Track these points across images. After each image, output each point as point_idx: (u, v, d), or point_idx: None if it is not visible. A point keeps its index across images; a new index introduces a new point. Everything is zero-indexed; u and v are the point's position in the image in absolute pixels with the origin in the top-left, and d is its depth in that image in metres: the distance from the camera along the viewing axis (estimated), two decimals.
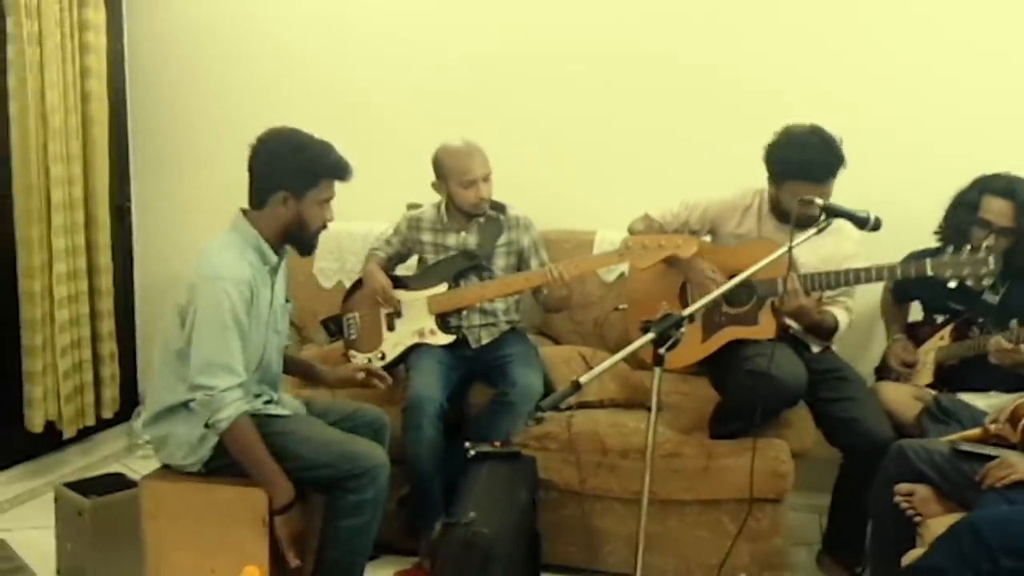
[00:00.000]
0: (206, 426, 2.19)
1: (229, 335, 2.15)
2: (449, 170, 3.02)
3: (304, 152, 2.27)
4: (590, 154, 3.68)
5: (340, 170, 2.31)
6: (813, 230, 2.30)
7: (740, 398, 2.75)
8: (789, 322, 2.97)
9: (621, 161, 3.65)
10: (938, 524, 2.30)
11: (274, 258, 2.34)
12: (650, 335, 2.04)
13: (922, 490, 2.38)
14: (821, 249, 2.91)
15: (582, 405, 3.00)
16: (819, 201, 2.31)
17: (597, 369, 1.94)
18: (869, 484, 2.57)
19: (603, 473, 2.83)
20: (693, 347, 2.97)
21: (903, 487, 2.40)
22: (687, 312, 2.08)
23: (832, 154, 2.71)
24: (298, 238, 2.36)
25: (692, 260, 2.84)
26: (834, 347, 3.11)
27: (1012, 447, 2.46)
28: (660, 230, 3.03)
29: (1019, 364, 2.72)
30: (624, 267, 3.42)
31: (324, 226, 2.37)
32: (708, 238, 3.12)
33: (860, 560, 2.84)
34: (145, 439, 2.28)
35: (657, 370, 2.07)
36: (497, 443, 2.61)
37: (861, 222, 2.30)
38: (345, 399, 2.81)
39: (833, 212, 2.30)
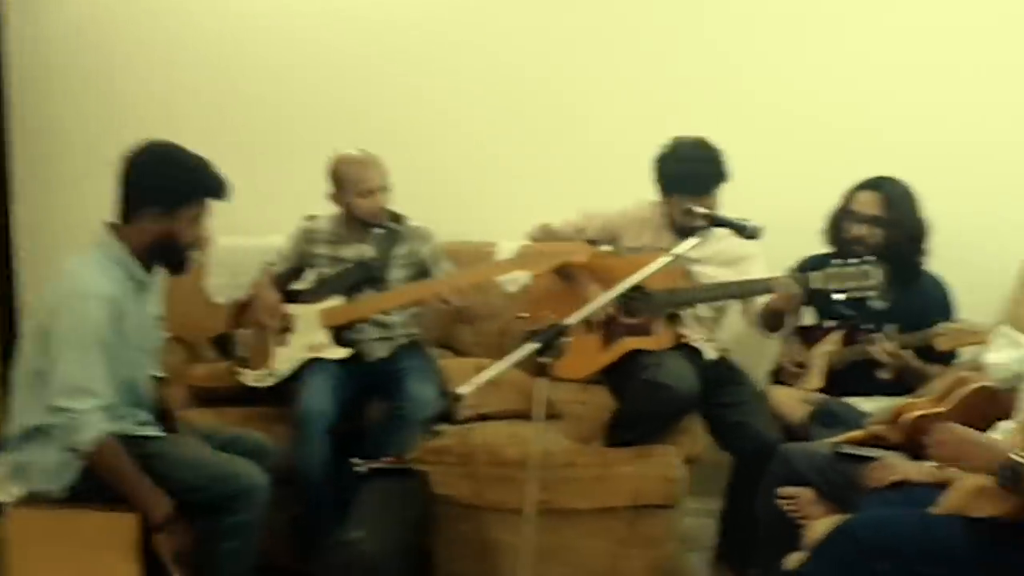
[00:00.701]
0: (69, 450, 2.10)
1: (91, 355, 2.07)
2: (346, 180, 2.97)
3: (177, 168, 2.21)
4: (491, 164, 3.67)
5: (214, 188, 2.25)
6: (695, 239, 2.33)
7: (635, 407, 2.77)
8: (683, 331, 3.00)
9: (522, 171, 3.65)
10: (821, 526, 2.35)
11: (142, 274, 2.26)
12: (533, 345, 2.03)
13: (805, 493, 2.42)
14: (722, 254, 2.96)
15: (482, 417, 2.97)
16: (700, 210, 2.34)
17: (477, 379, 1.92)
18: (757, 487, 2.62)
19: (501, 486, 2.81)
20: (592, 357, 2.99)
21: (787, 491, 2.44)
22: (568, 321, 2.08)
23: (714, 167, 2.76)
24: (168, 255, 2.30)
25: (583, 271, 2.86)
26: (730, 352, 3.16)
27: (893, 448, 2.53)
28: (558, 239, 3.04)
29: (902, 368, 2.80)
30: (527, 277, 3.41)
31: (196, 244, 2.30)
32: (609, 248, 3.14)
33: (753, 564, 2.87)
34: (5, 466, 2.16)
35: (541, 381, 2.06)
36: (388, 458, 2.57)
37: (740, 230, 2.34)
38: (227, 424, 2.74)
39: (714, 221, 2.34)
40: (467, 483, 2.81)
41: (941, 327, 2.63)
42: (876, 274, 2.57)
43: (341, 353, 2.97)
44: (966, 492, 1.95)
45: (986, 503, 1.87)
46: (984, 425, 2.47)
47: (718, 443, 2.94)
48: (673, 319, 2.90)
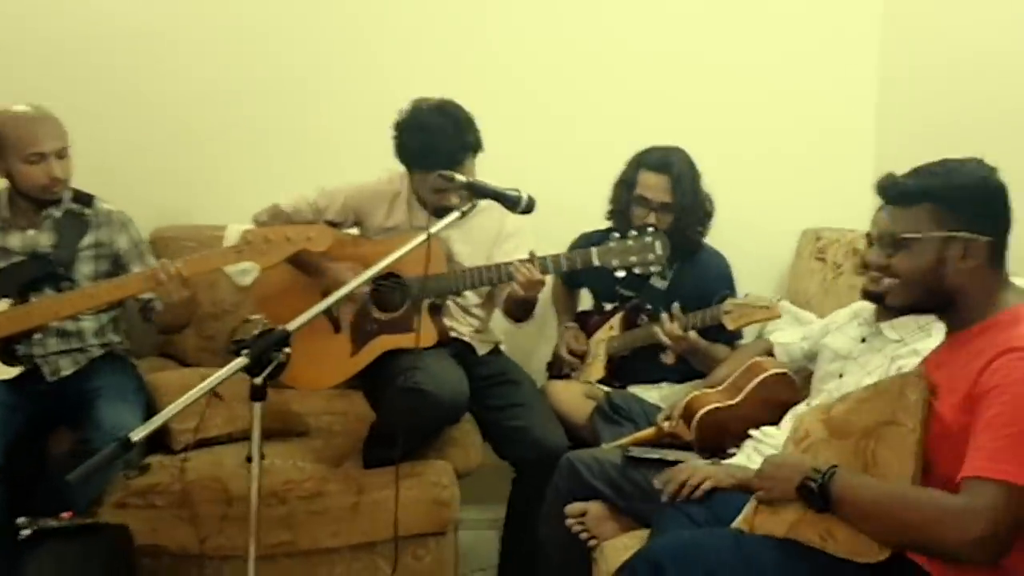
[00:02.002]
0: None
1: None
2: (8, 141, 2.28)
3: None
4: (216, 137, 3.04)
5: None
6: (456, 214, 1.89)
7: (394, 419, 2.30)
8: (452, 324, 2.57)
9: (252, 145, 3.05)
10: (613, 548, 2.01)
11: None
12: (241, 360, 1.51)
13: (595, 508, 2.08)
14: (480, 231, 2.55)
15: (202, 443, 2.38)
16: (460, 178, 1.91)
17: (156, 420, 1.37)
18: (542, 500, 2.25)
19: (230, 527, 2.24)
20: (342, 363, 2.50)
21: (574, 508, 2.08)
22: (293, 326, 1.58)
23: (462, 135, 2.35)
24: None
25: (326, 258, 2.35)
26: (503, 346, 2.77)
27: (687, 446, 2.23)
28: (292, 222, 2.51)
29: (688, 351, 2.52)
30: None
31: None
32: (356, 231, 2.65)
33: None
34: None
35: (256, 407, 1.55)
36: (66, 514, 1.94)
37: (511, 202, 1.93)
38: None
39: (478, 191, 1.90)
40: (185, 529, 2.23)
41: (729, 304, 2.37)
42: (659, 246, 2.26)
43: (10, 372, 2.28)
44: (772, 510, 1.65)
45: (805, 528, 1.57)
46: (781, 413, 2.24)
47: (496, 451, 2.55)
48: (436, 311, 2.46)
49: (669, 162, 2.59)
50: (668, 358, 2.57)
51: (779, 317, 2.26)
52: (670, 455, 2.08)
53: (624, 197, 2.65)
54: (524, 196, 1.94)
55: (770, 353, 2.42)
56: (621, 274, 2.29)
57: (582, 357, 2.79)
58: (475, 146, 2.38)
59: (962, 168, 1.51)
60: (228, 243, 2.88)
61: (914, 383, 1.54)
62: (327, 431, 2.57)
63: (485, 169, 2.43)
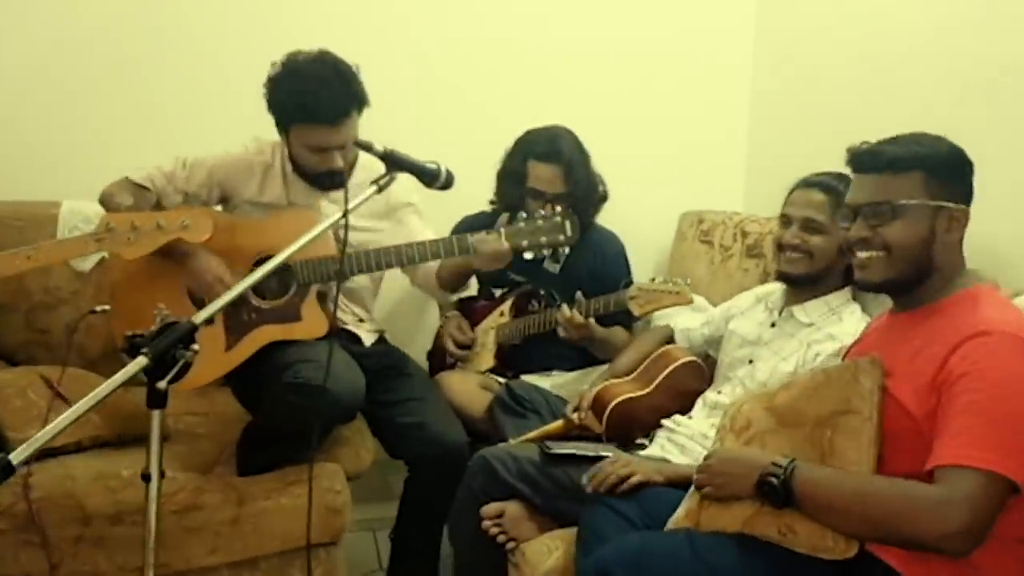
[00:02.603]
0: None
1: None
2: None
3: None
4: (45, 101, 2.63)
5: None
6: (372, 189, 1.68)
7: (280, 419, 2.06)
8: (340, 312, 2.36)
9: (90, 109, 2.66)
10: (533, 549, 1.88)
11: None
12: (142, 360, 1.25)
13: (513, 508, 1.94)
14: (366, 205, 2.33)
15: (51, 453, 2.04)
16: (379, 147, 1.69)
17: (41, 436, 1.10)
18: (442, 500, 2.09)
19: (86, 550, 1.94)
20: (216, 358, 2.21)
21: (491, 509, 1.93)
22: (201, 317, 1.33)
23: (346, 86, 2.12)
24: None
25: (196, 250, 2.07)
26: (388, 335, 2.57)
27: (596, 438, 2.14)
28: (149, 201, 2.20)
29: (587, 339, 2.43)
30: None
31: None
32: (220, 208, 2.36)
33: None
34: None
35: (155, 416, 1.30)
36: None
37: (430, 176, 1.75)
38: None
39: (396, 163, 1.70)
40: (33, 554, 1.90)
41: (635, 289, 2.28)
42: (570, 226, 2.15)
43: None
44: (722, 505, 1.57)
45: (762, 522, 1.50)
46: (690, 402, 2.19)
47: (387, 449, 2.35)
48: (324, 298, 2.23)
49: (558, 150, 2.46)
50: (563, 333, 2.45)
51: (691, 302, 2.21)
52: (589, 449, 1.97)
53: (514, 191, 2.49)
54: (443, 169, 1.76)
55: (670, 340, 2.37)
56: (529, 256, 2.16)
57: (467, 348, 2.64)
58: (361, 99, 2.15)
59: (941, 140, 1.49)
60: (63, 223, 2.52)
61: (867, 369, 1.50)
62: (189, 435, 2.29)
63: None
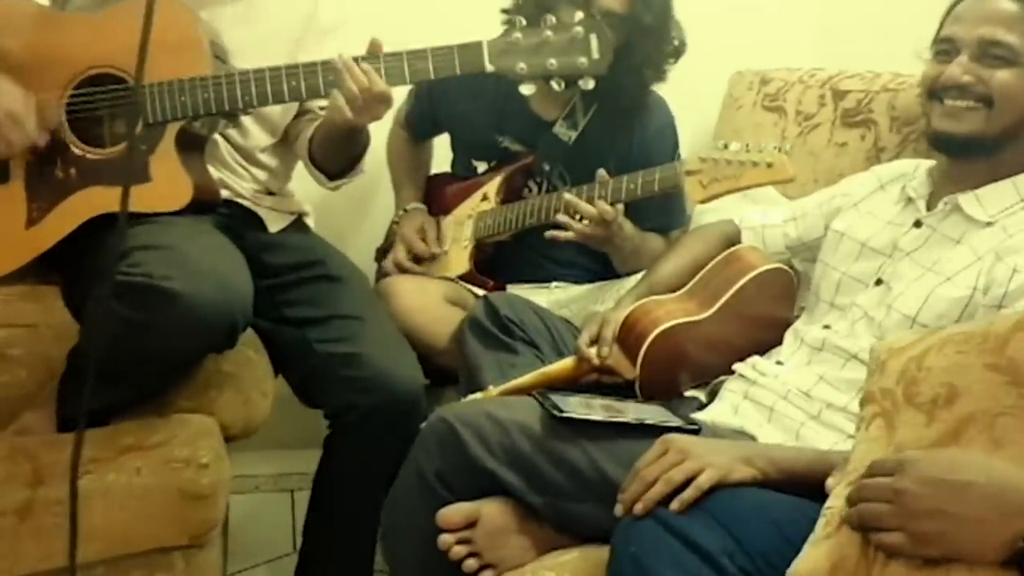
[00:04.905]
0: None
1: None
2: None
3: None
4: None
5: None
6: None
7: (108, 342, 1.22)
8: (222, 176, 1.50)
9: None
10: None
11: None
12: None
13: (491, 512, 1.14)
14: (274, 20, 1.50)
15: None
16: None
17: None
18: (380, 481, 1.31)
19: None
20: (13, 238, 1.39)
21: (454, 513, 1.12)
22: None
23: None
24: None
25: None
26: (310, 220, 1.71)
27: (627, 388, 1.33)
28: None
29: (610, 242, 1.60)
30: None
31: None
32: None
33: None
34: None
35: None
36: None
37: None
38: None
39: None
40: None
41: (695, 159, 1.45)
42: (596, 45, 1.28)
43: None
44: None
45: None
46: (777, 337, 1.39)
47: (299, 391, 1.53)
48: (191, 146, 1.37)
49: None
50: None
51: (791, 179, 1.38)
52: (628, 411, 1.16)
53: None
54: None
55: (734, 241, 1.54)
56: (528, 90, 1.31)
57: (427, 261, 1.81)
58: None
59: None
60: None
61: None
62: None
63: None
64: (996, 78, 1.19)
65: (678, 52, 1.70)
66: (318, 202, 1.79)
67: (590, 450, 1.11)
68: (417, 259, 1.80)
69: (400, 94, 1.84)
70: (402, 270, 1.79)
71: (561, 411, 1.11)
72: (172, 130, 1.32)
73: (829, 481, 0.95)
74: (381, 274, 1.87)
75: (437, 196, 1.90)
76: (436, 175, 1.96)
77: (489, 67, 1.28)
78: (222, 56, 1.37)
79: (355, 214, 2.14)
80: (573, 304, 1.74)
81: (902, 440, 0.86)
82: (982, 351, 0.86)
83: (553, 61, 1.28)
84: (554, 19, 1.30)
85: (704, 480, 0.99)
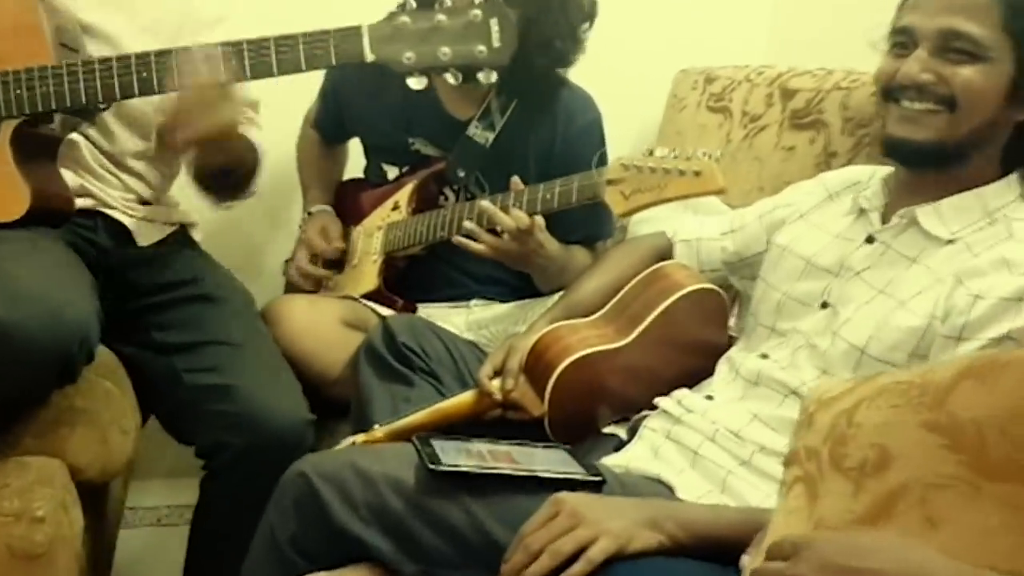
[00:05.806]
0: None
1: None
2: None
3: None
4: None
5: None
6: None
7: None
8: (85, 183, 1.32)
9: None
10: None
11: None
12: None
13: None
14: (152, 8, 1.32)
15: None
16: None
17: None
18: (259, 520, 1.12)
19: None
20: None
21: None
22: None
23: None
24: None
25: None
26: (197, 233, 1.53)
27: (534, 427, 1.17)
28: None
29: (526, 257, 1.43)
30: None
31: None
32: None
33: None
34: None
35: None
36: None
37: None
38: None
39: None
40: None
41: (616, 166, 1.29)
42: (497, 28, 1.10)
43: None
44: None
45: None
46: (706, 366, 1.23)
47: (169, 428, 1.36)
48: (36, 148, 1.19)
49: None
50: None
51: (722, 191, 1.22)
52: (525, 458, 0.99)
53: None
54: None
55: (666, 256, 1.37)
56: (418, 84, 1.13)
57: (337, 264, 1.64)
58: None
59: None
60: None
61: None
62: None
63: None
64: (959, 76, 1.02)
65: (591, 15, 1.52)
66: (224, 211, 1.62)
67: (473, 509, 0.94)
68: (327, 264, 1.63)
69: (309, 90, 1.70)
70: (306, 276, 1.62)
71: (437, 463, 0.94)
72: (6, 129, 1.14)
73: (744, 559, 0.79)
74: (287, 284, 1.71)
75: (350, 204, 1.73)
76: (349, 181, 1.79)
77: (370, 55, 1.10)
78: (72, 44, 1.19)
79: (268, 223, 1.96)
80: (494, 325, 1.58)
81: (823, 514, 0.70)
82: (919, 406, 0.69)
83: (446, 50, 1.11)
84: (448, 1, 1.13)
85: (597, 552, 0.83)
